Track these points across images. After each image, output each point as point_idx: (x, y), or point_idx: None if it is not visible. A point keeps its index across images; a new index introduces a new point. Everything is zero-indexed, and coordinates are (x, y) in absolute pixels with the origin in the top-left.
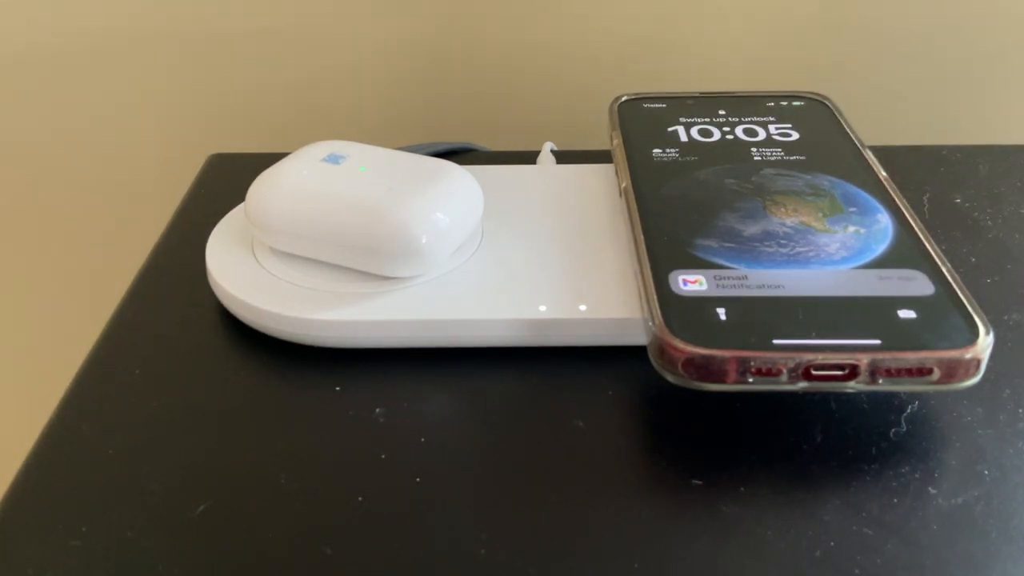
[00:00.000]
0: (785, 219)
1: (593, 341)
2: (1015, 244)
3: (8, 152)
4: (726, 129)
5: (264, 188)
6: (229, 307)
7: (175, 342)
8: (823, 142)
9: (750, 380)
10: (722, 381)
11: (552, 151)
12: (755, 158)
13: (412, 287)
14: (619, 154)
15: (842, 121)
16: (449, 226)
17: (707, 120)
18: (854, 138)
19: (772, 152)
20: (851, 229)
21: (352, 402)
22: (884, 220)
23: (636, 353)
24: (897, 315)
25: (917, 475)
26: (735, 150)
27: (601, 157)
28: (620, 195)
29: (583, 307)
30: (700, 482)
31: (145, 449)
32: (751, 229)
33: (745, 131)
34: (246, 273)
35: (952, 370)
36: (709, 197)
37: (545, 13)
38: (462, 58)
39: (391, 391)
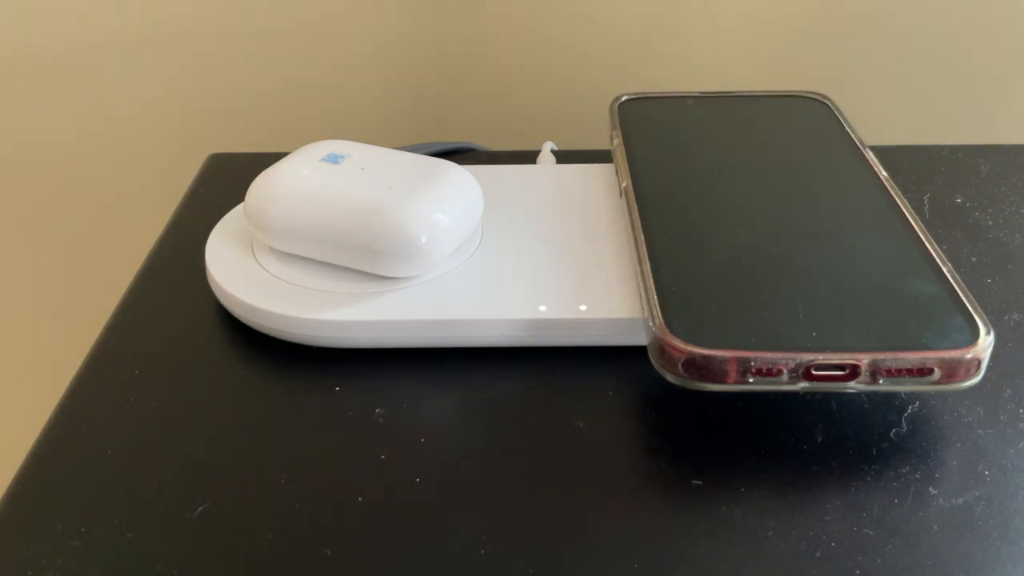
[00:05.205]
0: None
1: (593, 341)
2: (1016, 244)
3: (7, 152)
4: (727, 129)
5: (264, 188)
6: (229, 307)
7: (175, 342)
8: (824, 142)
9: (750, 380)
10: (722, 381)
11: (552, 151)
12: (755, 158)
13: (412, 287)
14: (619, 154)
15: (842, 121)
16: (449, 226)
17: (707, 120)
18: (854, 138)
19: (772, 151)
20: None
21: (352, 402)
22: (885, 220)
23: (636, 353)
24: (898, 315)
25: (918, 475)
26: (735, 149)
27: (601, 157)
28: (620, 195)
29: (583, 307)
30: (700, 482)
31: (145, 449)
32: (752, 228)
33: (746, 131)
34: (245, 273)
35: (953, 370)
36: (709, 197)
37: (545, 13)
38: (462, 58)
39: (391, 391)
